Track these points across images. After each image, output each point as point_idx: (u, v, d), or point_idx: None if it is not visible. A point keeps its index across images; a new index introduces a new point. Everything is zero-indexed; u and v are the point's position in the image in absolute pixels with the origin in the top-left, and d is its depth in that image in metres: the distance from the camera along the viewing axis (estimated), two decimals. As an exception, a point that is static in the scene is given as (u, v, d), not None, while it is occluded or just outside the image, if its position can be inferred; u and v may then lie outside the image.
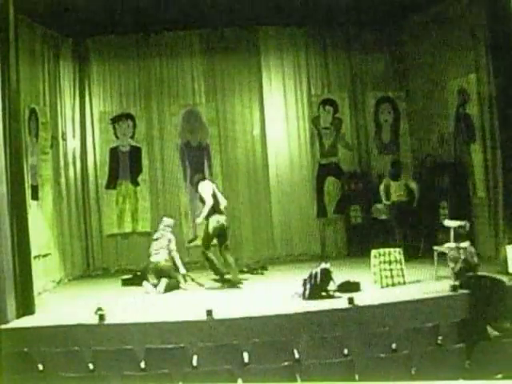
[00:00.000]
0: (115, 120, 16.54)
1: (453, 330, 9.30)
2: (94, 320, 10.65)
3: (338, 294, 11.67)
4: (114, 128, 16.53)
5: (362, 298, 11.10)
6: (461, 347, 8.73)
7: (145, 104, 16.67)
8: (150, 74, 16.64)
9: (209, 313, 10.42)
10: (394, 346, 9.11)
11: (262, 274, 14.86)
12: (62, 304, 12.61)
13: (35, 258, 13.00)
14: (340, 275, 12.16)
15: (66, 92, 16.10)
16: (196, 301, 12.15)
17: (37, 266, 13.10)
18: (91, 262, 16.38)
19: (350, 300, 10.81)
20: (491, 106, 13.07)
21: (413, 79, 16.54)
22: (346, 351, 9.06)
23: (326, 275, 11.80)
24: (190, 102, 16.79)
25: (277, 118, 16.75)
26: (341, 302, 11.09)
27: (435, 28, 15.02)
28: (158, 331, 10.21)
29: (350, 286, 11.80)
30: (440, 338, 9.21)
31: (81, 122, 16.48)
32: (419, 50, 15.91)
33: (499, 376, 7.66)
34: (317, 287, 11.68)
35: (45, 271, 14.15)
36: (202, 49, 16.75)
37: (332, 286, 11.82)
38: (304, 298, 11.65)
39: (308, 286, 11.72)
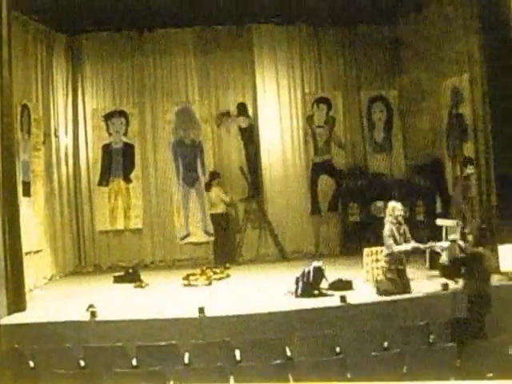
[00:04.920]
0: (108, 117, 16.53)
1: (444, 329, 9.30)
2: (86, 317, 10.63)
3: (330, 292, 11.66)
4: (107, 125, 16.51)
5: (354, 297, 11.11)
6: (452, 346, 8.75)
7: (138, 101, 16.67)
8: (143, 71, 16.63)
9: (201, 310, 10.41)
10: (385, 344, 9.11)
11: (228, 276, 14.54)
12: (54, 301, 12.57)
13: (26, 254, 12.93)
14: (334, 273, 12.18)
15: (59, 88, 16.05)
16: (188, 298, 12.16)
17: (28, 263, 13.04)
18: (83, 258, 16.36)
19: (343, 298, 10.81)
20: (484, 106, 13.10)
21: (406, 78, 16.56)
22: (337, 349, 9.05)
23: (319, 273, 11.79)
24: (184, 99, 16.80)
25: (270, 116, 16.73)
26: (333, 300, 11.09)
27: (429, 28, 15.06)
28: (149, 328, 10.20)
29: (343, 285, 11.80)
30: (432, 336, 9.22)
31: (73, 118, 16.46)
32: (413, 50, 15.91)
33: (490, 375, 7.67)
34: (309, 285, 11.68)
35: (36, 268, 14.09)
36: (195, 46, 16.75)
37: (324, 284, 11.82)
38: (296, 295, 11.65)
39: (300, 284, 11.72)
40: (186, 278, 13.86)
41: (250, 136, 16.56)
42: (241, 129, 16.57)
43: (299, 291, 11.69)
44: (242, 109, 16.62)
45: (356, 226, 16.17)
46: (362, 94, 17.01)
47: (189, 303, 11.23)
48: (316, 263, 12.00)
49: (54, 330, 10.34)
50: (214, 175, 16.22)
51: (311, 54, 16.92)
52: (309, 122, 16.82)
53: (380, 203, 15.46)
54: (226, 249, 16.13)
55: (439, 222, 13.26)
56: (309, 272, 11.80)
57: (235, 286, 13.31)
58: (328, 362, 8.56)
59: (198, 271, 14.28)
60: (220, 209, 16.11)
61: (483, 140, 13.18)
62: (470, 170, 12.35)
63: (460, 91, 14.27)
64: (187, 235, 16.28)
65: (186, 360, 8.91)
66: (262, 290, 12.60)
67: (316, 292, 11.70)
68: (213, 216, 16.16)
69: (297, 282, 11.79)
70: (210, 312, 10.52)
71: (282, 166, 16.72)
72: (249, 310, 10.70)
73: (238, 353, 8.96)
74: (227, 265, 15.15)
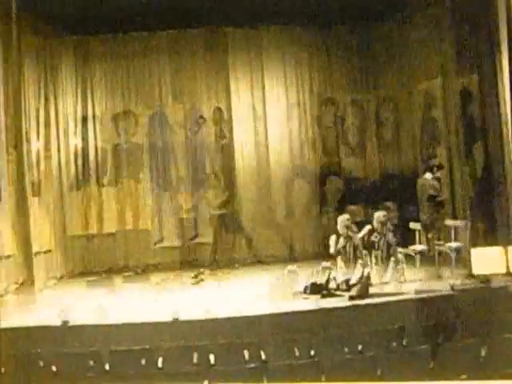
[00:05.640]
0: (117, 118, 16.60)
1: (418, 332, 9.26)
2: (57, 322, 10.30)
3: (339, 292, 11.58)
4: (116, 125, 16.58)
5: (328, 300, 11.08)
6: (425, 348, 8.73)
7: (146, 102, 16.67)
8: (151, 72, 16.64)
9: (175, 314, 10.36)
10: (360, 347, 9.08)
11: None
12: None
13: (36, 254, 13.10)
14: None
15: (68, 90, 16.21)
16: (162, 301, 11.93)
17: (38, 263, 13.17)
18: (92, 259, 16.40)
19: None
20: (456, 109, 13.00)
21: (383, 82, 16.52)
22: (312, 353, 9.06)
23: (327, 274, 11.78)
24: (194, 100, 16.71)
25: (278, 117, 16.70)
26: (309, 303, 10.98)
27: (404, 31, 15.07)
28: (122, 333, 10.13)
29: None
30: (405, 339, 9.17)
31: (82, 119, 16.52)
32: (388, 53, 15.90)
33: (463, 377, 7.66)
34: (317, 286, 11.69)
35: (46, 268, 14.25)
36: (206, 47, 16.70)
37: (333, 285, 11.77)
38: (306, 296, 11.63)
39: (309, 285, 11.77)
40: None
41: (224, 140, 16.57)
42: (216, 133, 16.56)
43: (308, 291, 11.69)
44: (217, 114, 16.60)
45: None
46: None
47: (163, 306, 11.08)
48: (324, 264, 12.01)
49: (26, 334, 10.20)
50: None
51: (319, 54, 16.80)
52: (317, 123, 16.75)
53: (389, 203, 15.39)
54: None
55: (448, 222, 13.09)
56: (317, 272, 11.81)
57: (210, 291, 13.09)
58: (303, 365, 8.60)
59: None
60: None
61: (455, 143, 13.07)
62: (437, 174, 12.30)
63: (433, 95, 14.26)
64: (161, 240, 16.36)
65: (160, 364, 8.96)
66: (238, 294, 12.45)
67: (325, 292, 11.63)
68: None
69: (306, 283, 11.80)
70: (184, 315, 10.30)
71: (291, 167, 16.65)
72: (223, 314, 10.45)
73: (212, 356, 9.00)
74: (201, 269, 15.01)
